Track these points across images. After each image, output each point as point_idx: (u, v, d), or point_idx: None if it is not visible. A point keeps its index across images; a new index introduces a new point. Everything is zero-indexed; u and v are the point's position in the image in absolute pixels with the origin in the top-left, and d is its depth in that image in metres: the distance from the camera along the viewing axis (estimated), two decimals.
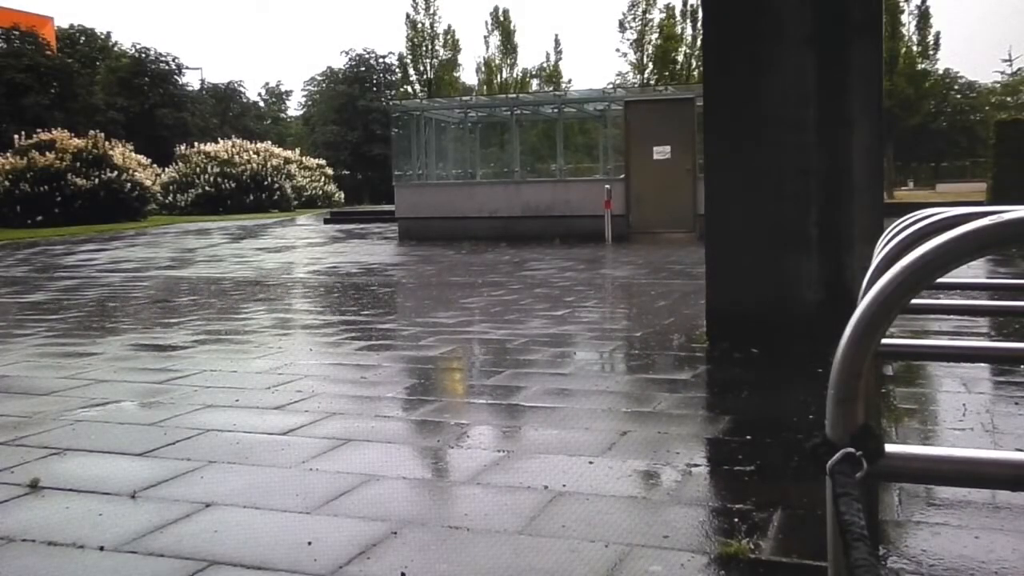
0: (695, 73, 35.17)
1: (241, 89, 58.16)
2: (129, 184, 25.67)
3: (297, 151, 37.64)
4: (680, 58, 38.51)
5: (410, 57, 42.50)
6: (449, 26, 50.44)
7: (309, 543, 2.43)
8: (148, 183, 27.20)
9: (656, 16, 39.43)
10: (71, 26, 50.55)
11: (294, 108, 68.80)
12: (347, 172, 46.17)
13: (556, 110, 19.93)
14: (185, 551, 2.39)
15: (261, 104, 65.52)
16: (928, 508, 2.58)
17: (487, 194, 18.29)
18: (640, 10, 39.45)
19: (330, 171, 38.79)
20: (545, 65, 43.56)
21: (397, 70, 46.78)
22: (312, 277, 11.18)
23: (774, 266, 5.25)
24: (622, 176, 17.40)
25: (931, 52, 33.59)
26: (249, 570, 2.27)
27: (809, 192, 5.18)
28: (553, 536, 2.43)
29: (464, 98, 28.97)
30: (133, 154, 27.81)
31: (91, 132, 26.68)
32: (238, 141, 34.22)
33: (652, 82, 36.66)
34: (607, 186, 16.43)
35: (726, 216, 5.40)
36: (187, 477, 3.04)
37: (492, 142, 23.09)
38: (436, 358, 5.25)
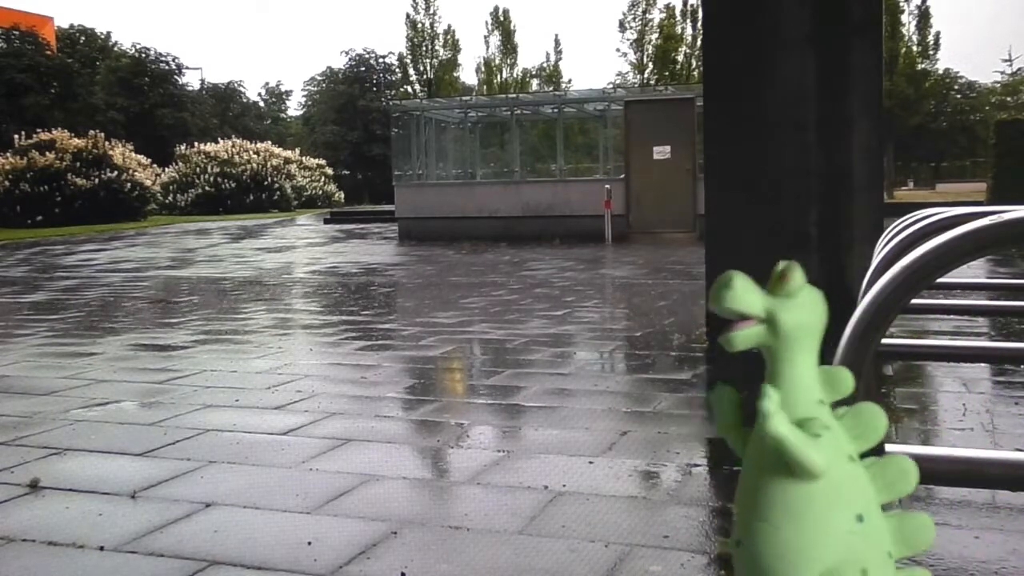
0: (695, 73, 35.17)
1: (241, 89, 58.28)
2: (129, 184, 25.69)
3: (297, 151, 37.65)
4: (680, 58, 38.52)
5: (410, 57, 42.52)
6: (449, 26, 50.46)
7: (309, 543, 2.43)
8: (148, 183, 27.22)
9: (656, 16, 39.46)
10: (71, 26, 50.63)
11: (294, 108, 68.90)
12: (347, 172, 46.20)
13: (556, 110, 19.93)
14: (185, 551, 2.39)
15: (261, 104, 65.57)
16: (928, 508, 2.58)
17: (487, 194, 18.29)
18: (640, 10, 39.47)
19: (330, 171, 38.81)
20: (545, 65, 43.59)
21: (397, 70, 46.80)
22: (312, 277, 11.19)
23: (774, 266, 5.24)
24: (622, 176, 17.40)
25: (931, 52, 33.62)
26: (249, 570, 2.27)
27: (809, 192, 5.18)
28: (553, 536, 2.43)
29: (464, 98, 28.98)
30: (133, 154, 27.83)
31: (91, 132, 26.70)
32: (238, 141, 34.24)
33: (652, 82, 36.67)
34: (607, 186, 16.44)
35: (726, 216, 5.40)
36: (187, 477, 3.04)
37: (492, 142, 23.10)
38: (436, 358, 5.25)
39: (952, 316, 5.87)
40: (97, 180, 24.65)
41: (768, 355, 1.22)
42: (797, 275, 1.19)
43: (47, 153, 24.71)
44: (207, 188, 31.31)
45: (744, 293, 1.17)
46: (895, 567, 1.22)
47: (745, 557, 1.19)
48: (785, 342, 1.19)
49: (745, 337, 1.17)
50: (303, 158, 37.30)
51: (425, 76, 42.05)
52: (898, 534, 1.25)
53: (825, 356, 1.13)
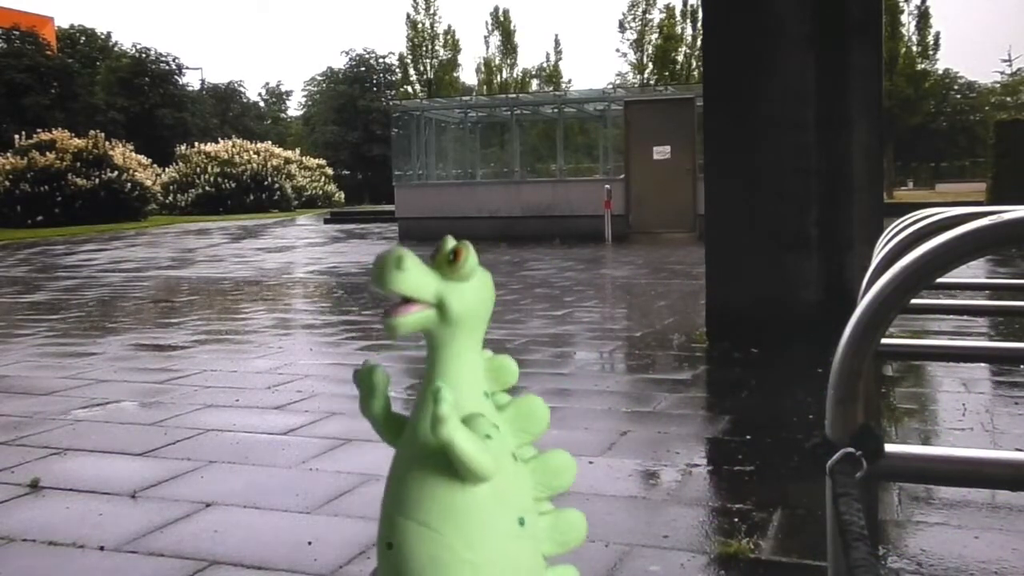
0: (695, 73, 35.17)
1: (241, 89, 58.28)
2: (129, 184, 25.69)
3: (297, 151, 37.63)
4: (680, 58, 38.53)
5: (410, 57, 42.49)
6: (449, 26, 50.49)
7: (309, 543, 2.43)
8: (148, 183, 27.22)
9: (656, 16, 39.46)
10: (71, 26, 50.65)
11: (294, 108, 68.96)
12: (347, 172, 46.20)
13: (556, 110, 19.93)
14: (185, 551, 2.40)
15: (261, 104, 65.55)
16: (928, 508, 2.58)
17: (487, 194, 18.29)
18: (640, 10, 39.47)
19: (330, 171, 38.80)
20: (545, 65, 43.58)
21: (397, 70, 46.78)
22: (312, 277, 11.19)
23: (774, 266, 5.25)
24: (622, 176, 17.40)
25: (931, 52, 33.61)
26: (249, 570, 2.27)
27: (809, 192, 5.18)
28: None
29: (464, 98, 28.99)
30: (133, 154, 27.84)
31: (91, 132, 26.69)
32: (238, 141, 34.22)
33: (652, 82, 36.66)
34: (607, 186, 16.43)
35: (726, 216, 5.40)
36: (187, 477, 3.04)
37: (492, 142, 23.10)
38: None
39: (952, 316, 5.87)
40: (97, 180, 24.64)
41: (433, 343, 1.10)
42: (471, 256, 1.09)
43: (47, 153, 24.70)
44: (207, 188, 31.30)
45: (417, 275, 1.06)
46: (546, 567, 1.15)
47: (397, 560, 1.09)
48: (454, 330, 1.09)
49: (412, 322, 1.06)
50: (303, 158, 37.29)
51: (425, 76, 42.03)
52: (552, 532, 1.17)
53: (826, 357, 1.13)
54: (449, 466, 1.08)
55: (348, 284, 10.03)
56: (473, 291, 1.11)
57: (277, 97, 69.78)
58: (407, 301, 1.07)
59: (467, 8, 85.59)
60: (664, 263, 11.50)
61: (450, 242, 1.11)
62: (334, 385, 4.51)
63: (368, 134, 47.24)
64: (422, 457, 1.11)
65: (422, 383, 1.15)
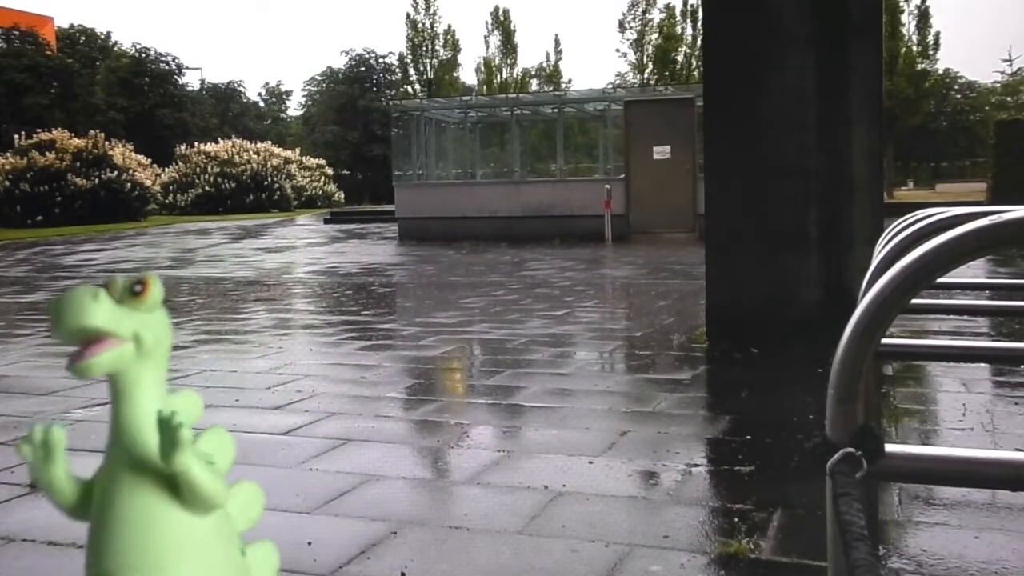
0: (695, 73, 35.16)
1: (241, 89, 58.27)
2: (129, 184, 25.68)
3: (297, 151, 37.63)
4: (680, 58, 38.50)
5: (410, 57, 42.47)
6: (449, 26, 50.51)
7: (309, 543, 2.43)
8: (148, 183, 27.21)
9: (656, 16, 39.44)
10: (71, 26, 50.66)
11: (294, 108, 68.92)
12: (347, 172, 46.18)
13: (556, 110, 19.93)
14: None
15: (261, 104, 65.56)
16: (928, 508, 2.58)
17: (487, 194, 18.29)
18: (640, 10, 39.45)
19: (330, 171, 38.79)
20: (545, 65, 43.57)
21: (397, 70, 46.79)
22: (312, 277, 11.18)
23: (774, 266, 5.25)
24: (622, 176, 17.40)
25: (931, 52, 33.57)
26: None
27: (809, 192, 5.18)
28: (553, 536, 2.43)
29: (464, 98, 28.98)
30: (133, 154, 27.83)
31: (91, 132, 26.68)
32: (238, 141, 34.22)
33: (652, 82, 36.66)
34: (607, 186, 16.44)
35: (726, 216, 5.40)
36: None
37: (492, 142, 23.10)
38: (436, 358, 5.25)
39: (952, 316, 5.87)
40: (97, 180, 24.63)
41: (121, 382, 1.07)
42: (158, 287, 1.07)
43: (47, 153, 24.69)
44: (207, 188, 31.30)
45: (113, 309, 1.03)
46: None
47: None
48: (144, 363, 1.07)
49: (109, 360, 1.03)
50: (303, 158, 37.29)
51: (425, 76, 42.01)
52: (261, 564, 1.18)
53: (826, 357, 1.12)
54: (167, 508, 1.04)
55: (348, 284, 10.03)
56: (159, 322, 1.09)
57: (277, 97, 69.81)
58: (91, 342, 1.03)
59: (467, 8, 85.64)
60: (664, 263, 11.50)
61: (120, 279, 1.09)
62: (334, 385, 4.51)
63: (368, 134, 47.24)
64: (140, 498, 1.07)
65: (110, 431, 1.11)
